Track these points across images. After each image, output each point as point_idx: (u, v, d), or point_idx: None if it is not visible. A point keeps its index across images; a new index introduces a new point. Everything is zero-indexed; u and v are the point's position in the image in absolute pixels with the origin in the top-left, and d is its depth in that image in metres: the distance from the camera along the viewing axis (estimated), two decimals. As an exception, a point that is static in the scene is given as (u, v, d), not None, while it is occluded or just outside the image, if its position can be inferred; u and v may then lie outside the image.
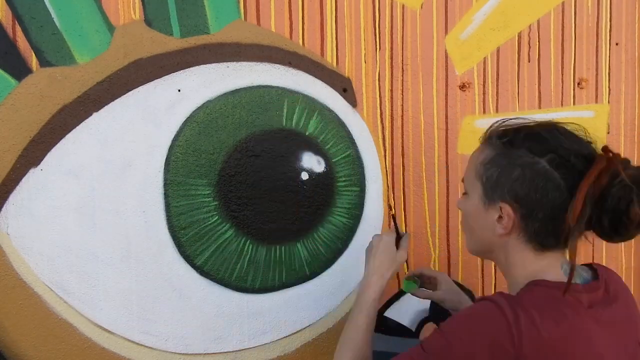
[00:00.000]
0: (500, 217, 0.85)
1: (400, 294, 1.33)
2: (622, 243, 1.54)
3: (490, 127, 0.90)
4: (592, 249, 1.51)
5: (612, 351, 0.80)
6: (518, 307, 0.77)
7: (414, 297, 1.21)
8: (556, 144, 0.82)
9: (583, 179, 0.77)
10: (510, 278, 0.89)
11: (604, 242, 1.52)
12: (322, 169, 1.23)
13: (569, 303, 0.79)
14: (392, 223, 1.18)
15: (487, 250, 0.91)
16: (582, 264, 0.90)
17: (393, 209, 1.28)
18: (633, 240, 1.54)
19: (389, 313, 1.22)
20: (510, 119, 0.88)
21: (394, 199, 1.31)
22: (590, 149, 0.83)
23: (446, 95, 1.34)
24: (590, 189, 0.76)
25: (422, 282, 1.20)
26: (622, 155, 0.81)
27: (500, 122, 0.89)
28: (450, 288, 1.17)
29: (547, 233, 0.83)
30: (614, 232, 0.80)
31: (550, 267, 0.85)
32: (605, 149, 0.81)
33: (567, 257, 0.81)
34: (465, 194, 0.93)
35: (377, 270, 1.03)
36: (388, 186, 1.31)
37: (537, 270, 0.84)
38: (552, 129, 0.84)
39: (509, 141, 0.84)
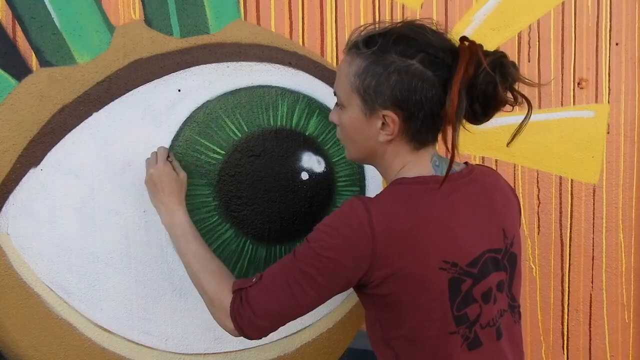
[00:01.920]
0: (383, 124, 0.87)
1: None
2: (622, 244, 1.54)
3: (352, 36, 0.90)
4: (592, 248, 1.51)
5: (466, 234, 0.88)
6: (371, 205, 0.84)
7: None
8: (424, 42, 0.85)
9: (454, 74, 0.82)
10: (386, 178, 0.94)
11: (604, 242, 1.52)
12: (322, 169, 1.23)
13: (421, 194, 0.86)
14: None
15: (369, 157, 0.95)
16: (445, 158, 0.94)
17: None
18: (633, 240, 1.54)
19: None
20: (367, 25, 0.90)
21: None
22: (451, 42, 0.87)
23: (446, 95, 1.34)
24: (462, 81, 0.81)
25: None
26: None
27: (360, 30, 0.90)
28: None
29: (427, 130, 0.88)
30: (485, 115, 0.88)
31: (419, 161, 0.90)
32: (463, 38, 0.85)
33: (435, 150, 0.92)
34: (338, 105, 0.94)
35: (174, 200, 1.03)
36: (388, 186, 1.30)
37: (406, 165, 0.90)
38: (415, 27, 0.87)
39: (379, 48, 0.85)
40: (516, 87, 0.88)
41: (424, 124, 0.87)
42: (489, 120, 0.90)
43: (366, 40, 0.87)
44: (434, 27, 0.88)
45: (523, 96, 0.89)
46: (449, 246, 0.86)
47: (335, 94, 0.94)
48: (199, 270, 0.96)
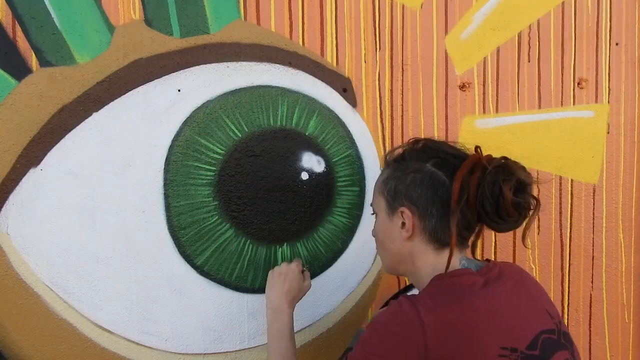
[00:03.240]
0: (403, 223, 0.95)
1: (398, 294, 1.33)
2: (622, 244, 1.54)
3: (387, 154, 1.03)
4: (592, 248, 1.51)
5: (516, 319, 0.88)
6: (416, 301, 0.87)
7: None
8: (437, 149, 0.96)
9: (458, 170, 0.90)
10: (419, 284, 0.97)
11: (604, 242, 1.52)
12: (322, 169, 1.24)
13: (463, 286, 0.89)
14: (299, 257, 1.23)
15: (399, 262, 0.99)
16: (473, 259, 0.99)
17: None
18: (633, 240, 1.53)
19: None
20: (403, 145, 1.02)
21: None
22: (464, 153, 0.96)
23: (446, 95, 1.34)
24: (466, 178, 0.88)
25: None
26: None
27: (389, 152, 1.03)
28: None
29: (443, 229, 0.93)
30: (498, 215, 0.90)
31: (444, 265, 0.92)
32: (476, 147, 0.94)
33: (464, 254, 0.96)
34: (374, 214, 1.03)
35: (285, 297, 1.10)
36: (388, 186, 1.31)
37: (437, 265, 0.94)
38: (434, 141, 0.99)
39: (402, 157, 0.98)
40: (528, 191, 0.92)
41: (438, 222, 0.93)
42: (509, 226, 0.93)
43: (395, 156, 1.01)
44: (454, 145, 0.98)
45: (533, 197, 0.92)
46: (503, 332, 0.86)
47: (371, 205, 1.05)
48: None
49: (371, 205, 1.04)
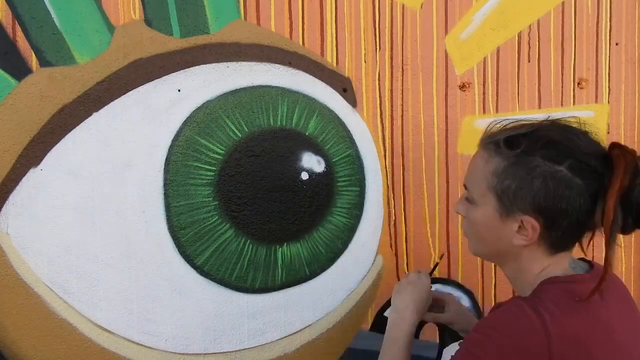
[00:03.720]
0: (520, 227, 0.82)
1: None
2: (622, 244, 1.54)
3: (490, 131, 0.86)
4: (593, 247, 1.51)
5: (629, 336, 0.81)
6: (539, 306, 0.77)
7: None
8: (573, 147, 0.79)
9: (609, 185, 0.76)
10: (520, 282, 0.87)
11: (603, 241, 1.52)
12: (322, 169, 1.23)
13: (585, 294, 0.78)
14: (433, 269, 1.15)
15: (497, 256, 0.89)
16: (576, 259, 0.90)
17: (443, 256, 1.20)
18: (633, 240, 1.54)
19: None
20: (507, 120, 0.86)
21: (394, 199, 1.31)
22: (602, 148, 0.81)
23: (446, 95, 1.34)
24: (618, 194, 0.75)
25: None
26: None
27: (500, 126, 0.85)
28: (458, 310, 1.13)
29: (569, 238, 0.83)
30: (637, 227, 0.80)
31: (558, 264, 0.84)
32: (616, 145, 0.79)
33: (572, 255, 0.85)
34: (468, 200, 0.89)
35: (413, 305, 1.02)
36: (388, 186, 1.31)
37: (546, 267, 0.84)
38: (563, 130, 0.81)
39: (524, 150, 0.80)
40: None
41: (566, 233, 0.81)
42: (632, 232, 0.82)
43: (509, 139, 0.82)
44: (582, 128, 0.83)
45: None
46: (619, 351, 0.79)
47: (465, 187, 0.90)
48: None
49: (465, 186, 0.89)
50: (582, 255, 0.91)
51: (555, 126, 0.82)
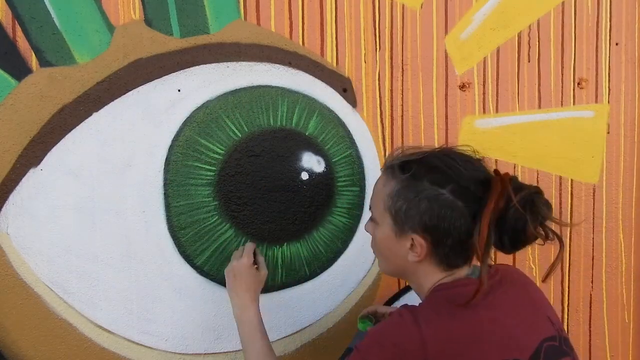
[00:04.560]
0: (412, 245, 0.90)
1: (398, 294, 1.33)
2: (622, 243, 1.54)
3: (392, 156, 0.95)
4: (592, 248, 1.51)
5: (518, 328, 0.86)
6: (418, 314, 0.85)
7: (413, 295, 1.20)
8: (455, 173, 0.87)
9: (484, 206, 0.83)
10: (419, 292, 0.95)
11: (604, 242, 1.52)
12: (322, 169, 1.23)
13: (466, 296, 0.84)
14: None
15: (401, 273, 0.98)
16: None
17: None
18: (633, 240, 1.54)
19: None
20: (406, 147, 0.96)
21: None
22: (484, 172, 0.89)
23: (446, 95, 1.34)
24: (492, 214, 0.82)
25: (376, 319, 1.19)
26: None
27: (398, 153, 0.95)
28: None
29: (456, 256, 0.89)
30: (514, 247, 0.87)
31: (451, 277, 0.91)
32: (496, 172, 0.88)
33: (470, 267, 0.92)
34: (373, 220, 0.97)
35: (247, 295, 1.07)
36: (388, 186, 1.30)
37: (440, 280, 0.91)
38: (448, 158, 0.89)
39: (412, 174, 0.89)
40: (548, 224, 0.87)
41: (452, 250, 0.88)
42: (517, 251, 0.90)
43: (402, 164, 0.91)
44: (472, 155, 0.91)
45: (555, 234, 0.87)
46: (505, 343, 0.84)
47: (370, 208, 0.99)
48: None
49: (370, 209, 0.99)
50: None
51: (442, 154, 0.91)
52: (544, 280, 0.93)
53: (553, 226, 0.88)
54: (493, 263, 0.98)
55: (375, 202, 0.96)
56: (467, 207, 0.85)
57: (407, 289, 1.34)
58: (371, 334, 0.88)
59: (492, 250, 0.85)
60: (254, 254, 1.12)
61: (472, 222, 0.85)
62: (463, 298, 0.85)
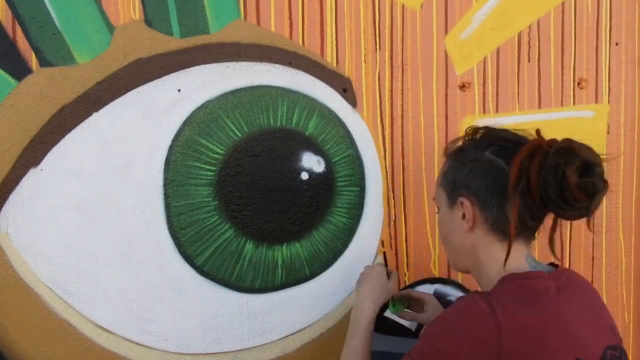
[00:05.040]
0: (464, 214, 0.91)
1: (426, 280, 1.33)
2: (622, 244, 1.54)
3: (448, 145, 1.00)
4: (592, 248, 1.51)
5: (587, 330, 0.86)
6: (492, 300, 0.82)
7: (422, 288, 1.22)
8: (496, 136, 0.92)
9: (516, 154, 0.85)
10: (484, 279, 0.94)
11: (604, 241, 1.52)
12: (322, 169, 1.23)
13: (540, 289, 0.85)
14: (384, 259, 1.21)
15: (462, 256, 0.96)
16: (540, 261, 0.96)
17: (383, 246, 1.28)
18: (633, 240, 1.53)
19: (389, 313, 1.23)
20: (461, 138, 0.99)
21: (394, 199, 1.31)
22: (525, 139, 0.90)
23: (446, 95, 1.34)
24: (525, 163, 0.83)
25: (409, 303, 1.20)
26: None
27: (450, 144, 0.99)
28: (436, 309, 1.17)
29: (506, 219, 0.87)
30: (563, 201, 0.84)
31: (515, 259, 0.89)
32: (537, 131, 0.89)
33: (529, 250, 0.92)
34: (438, 210, 1.00)
35: (369, 295, 1.08)
36: (388, 186, 1.31)
37: (502, 260, 0.89)
38: (493, 129, 0.94)
39: (461, 149, 0.95)
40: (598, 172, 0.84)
41: (500, 212, 0.88)
42: (578, 213, 0.85)
43: (456, 149, 0.97)
44: (515, 131, 0.93)
45: (602, 179, 0.84)
46: (576, 343, 0.83)
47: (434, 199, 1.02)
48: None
49: (434, 199, 1.01)
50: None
51: (489, 127, 0.95)
52: (588, 225, 0.92)
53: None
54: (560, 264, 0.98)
55: (436, 190, 0.99)
56: (507, 163, 0.86)
57: (413, 285, 1.34)
58: (441, 320, 0.86)
59: (524, 192, 0.83)
60: (387, 269, 1.15)
61: None
62: (537, 291, 0.84)
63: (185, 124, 1.14)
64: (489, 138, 0.92)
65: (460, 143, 0.97)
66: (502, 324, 0.79)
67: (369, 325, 1.05)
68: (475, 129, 0.95)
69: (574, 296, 0.88)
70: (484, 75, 1.37)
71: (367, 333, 1.04)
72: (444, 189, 0.95)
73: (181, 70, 1.13)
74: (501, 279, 0.89)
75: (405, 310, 1.20)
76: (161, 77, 1.12)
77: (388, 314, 1.22)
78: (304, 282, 1.25)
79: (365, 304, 1.07)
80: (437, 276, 1.35)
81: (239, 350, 1.21)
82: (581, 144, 0.85)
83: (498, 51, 1.38)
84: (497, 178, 0.87)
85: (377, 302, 1.08)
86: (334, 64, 1.24)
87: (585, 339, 0.85)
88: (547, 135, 1.30)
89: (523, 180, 0.83)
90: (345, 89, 1.25)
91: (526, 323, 0.80)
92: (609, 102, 1.49)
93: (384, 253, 1.28)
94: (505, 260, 0.87)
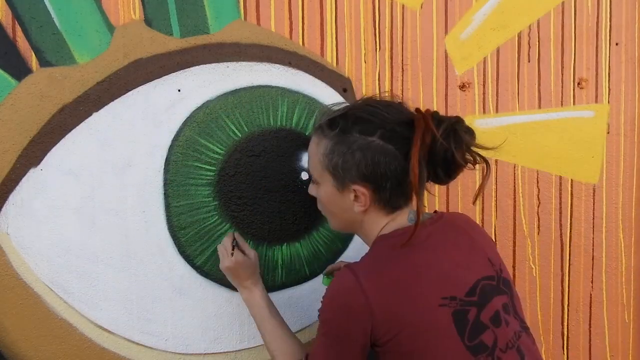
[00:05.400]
0: (356, 196, 0.94)
1: None
2: (622, 243, 1.54)
3: (319, 118, 1.01)
4: (592, 248, 1.51)
5: (457, 269, 0.93)
6: (356, 268, 0.90)
7: None
8: (380, 119, 0.92)
9: (412, 145, 0.88)
10: (367, 240, 1.00)
11: (604, 242, 1.52)
12: (322, 169, 1.23)
13: (403, 243, 0.91)
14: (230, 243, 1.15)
15: (350, 227, 1.01)
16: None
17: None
18: (633, 240, 1.53)
19: (323, 287, 1.23)
20: (330, 106, 1.02)
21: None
22: (407, 113, 0.94)
23: (446, 95, 1.34)
24: (420, 152, 0.87)
25: (328, 275, 1.19)
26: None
27: (324, 112, 1.01)
28: None
29: (397, 197, 0.94)
30: (449, 177, 0.94)
31: (396, 220, 0.96)
32: (417, 110, 0.93)
33: (414, 207, 0.96)
34: (314, 182, 1.02)
35: (240, 282, 1.10)
36: (388, 186, 1.30)
37: (385, 226, 0.96)
38: (371, 107, 0.94)
39: (341, 129, 0.93)
40: (475, 148, 0.93)
41: (393, 193, 0.93)
42: (453, 180, 0.96)
43: (329, 122, 0.96)
44: (392, 100, 0.97)
45: (482, 157, 0.93)
46: (442, 283, 0.90)
47: (308, 172, 1.04)
48: (274, 350, 1.05)
49: (308, 172, 1.03)
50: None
51: (364, 104, 0.96)
52: (473, 203, 1.00)
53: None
54: (438, 210, 1.06)
55: (313, 164, 1.00)
56: (398, 148, 0.90)
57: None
58: (323, 302, 0.93)
59: (425, 185, 0.92)
60: (236, 244, 1.12)
61: (406, 162, 0.89)
62: (400, 246, 0.91)
63: (185, 124, 1.14)
64: (374, 121, 0.92)
65: (337, 118, 0.95)
66: (367, 289, 0.86)
67: (269, 304, 1.09)
68: (353, 106, 0.97)
69: (444, 238, 0.95)
70: (484, 75, 1.37)
71: (273, 312, 1.08)
72: (329, 172, 0.95)
73: (181, 70, 1.13)
74: (373, 242, 0.97)
75: (326, 283, 1.18)
76: (161, 77, 1.12)
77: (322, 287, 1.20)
78: (304, 282, 1.25)
79: (252, 290, 1.09)
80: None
81: (239, 350, 1.21)
82: (460, 124, 0.91)
83: (498, 51, 1.38)
84: (391, 165, 0.90)
85: (255, 281, 1.10)
86: (334, 64, 1.24)
87: (453, 276, 0.91)
88: (548, 135, 1.30)
89: (423, 171, 0.89)
90: (345, 89, 1.25)
91: (389, 278, 0.88)
92: (609, 102, 1.49)
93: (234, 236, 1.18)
94: (414, 231, 0.91)
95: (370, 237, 0.98)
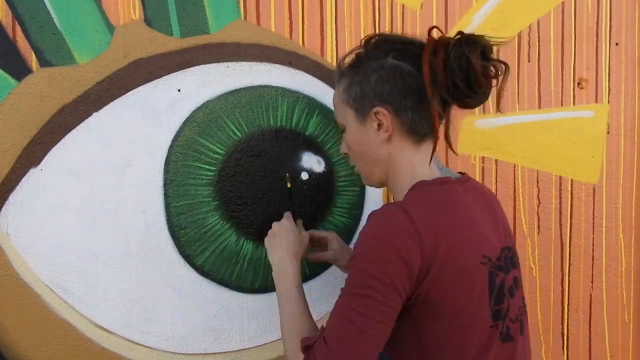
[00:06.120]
0: (379, 124, 0.92)
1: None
2: (622, 243, 1.54)
3: (338, 64, 1.00)
4: (592, 248, 1.51)
5: (489, 231, 0.92)
6: (407, 209, 0.84)
7: None
8: (393, 41, 0.93)
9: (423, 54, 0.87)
10: (398, 187, 0.95)
11: (604, 242, 1.52)
12: (322, 169, 1.23)
13: (448, 193, 0.90)
14: (291, 204, 1.13)
15: (378, 167, 0.96)
16: (450, 170, 1.00)
17: (289, 183, 1.19)
18: (633, 240, 1.53)
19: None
20: (348, 53, 0.98)
21: (394, 199, 1.31)
22: (420, 40, 0.92)
23: (446, 95, 1.34)
24: (432, 59, 0.86)
25: (311, 244, 1.15)
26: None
27: (340, 62, 0.99)
28: (340, 246, 1.16)
29: (420, 119, 0.91)
30: (470, 89, 0.87)
31: (425, 163, 0.93)
32: (429, 31, 0.90)
33: (436, 155, 0.94)
34: (342, 132, 1.00)
35: (287, 254, 1.03)
36: (388, 186, 1.30)
37: (415, 166, 0.93)
38: (383, 36, 0.95)
39: (357, 63, 0.94)
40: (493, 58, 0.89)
41: (415, 113, 0.90)
42: (479, 98, 0.90)
43: (347, 65, 0.97)
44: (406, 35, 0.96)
45: (500, 61, 0.89)
46: (482, 241, 0.89)
47: (336, 125, 1.02)
48: (288, 331, 0.94)
49: (335, 122, 1.01)
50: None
51: (379, 34, 0.95)
52: (498, 107, 0.93)
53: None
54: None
55: (337, 109, 0.99)
56: (412, 65, 0.89)
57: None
58: (361, 239, 0.85)
59: (443, 95, 0.88)
60: (295, 219, 1.10)
61: (422, 77, 0.87)
62: (446, 195, 0.89)
63: (185, 124, 1.14)
64: (386, 44, 0.92)
65: (353, 56, 0.96)
66: (422, 230, 0.81)
67: (299, 285, 1.00)
68: (367, 39, 0.95)
69: (477, 200, 0.94)
70: (484, 75, 1.37)
71: (300, 294, 0.99)
72: (349, 106, 0.94)
73: (181, 70, 1.13)
74: (412, 187, 0.91)
75: (309, 252, 1.15)
76: (161, 77, 1.12)
77: None
78: (304, 282, 1.25)
79: (286, 264, 1.02)
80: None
81: (239, 350, 1.21)
82: (473, 34, 0.89)
83: (498, 51, 1.38)
84: (407, 80, 0.89)
85: (297, 259, 1.04)
86: (334, 64, 1.24)
87: (488, 237, 0.90)
88: (547, 135, 1.31)
89: (435, 76, 0.86)
90: (345, 89, 1.25)
91: (440, 227, 0.84)
92: (609, 102, 1.49)
93: (290, 194, 1.19)
94: (431, 158, 0.91)
95: (402, 175, 0.93)
